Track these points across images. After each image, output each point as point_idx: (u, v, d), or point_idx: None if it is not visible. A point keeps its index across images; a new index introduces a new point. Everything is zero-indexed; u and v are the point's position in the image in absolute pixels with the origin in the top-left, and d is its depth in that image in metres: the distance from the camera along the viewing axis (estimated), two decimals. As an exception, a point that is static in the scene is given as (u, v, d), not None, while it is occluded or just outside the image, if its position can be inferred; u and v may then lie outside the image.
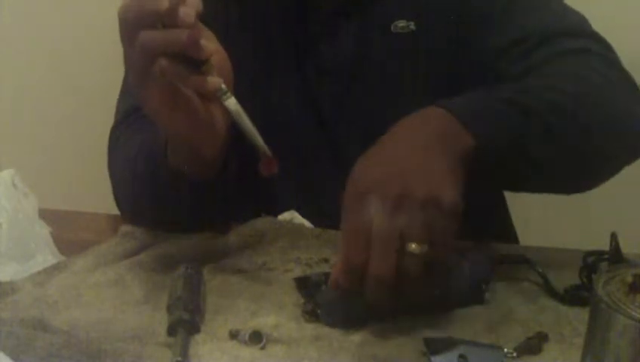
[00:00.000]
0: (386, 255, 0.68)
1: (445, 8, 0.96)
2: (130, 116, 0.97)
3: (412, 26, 0.96)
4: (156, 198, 0.88)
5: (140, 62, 0.75)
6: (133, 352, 0.68)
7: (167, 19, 0.72)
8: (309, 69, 0.98)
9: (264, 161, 0.77)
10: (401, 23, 0.96)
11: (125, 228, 0.92)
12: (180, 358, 0.66)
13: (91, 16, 1.70)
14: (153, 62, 0.73)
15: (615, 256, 0.78)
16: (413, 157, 0.73)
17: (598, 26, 0.99)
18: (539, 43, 0.92)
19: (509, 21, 0.95)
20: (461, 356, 0.67)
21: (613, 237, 0.78)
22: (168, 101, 0.77)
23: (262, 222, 0.92)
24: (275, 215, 0.95)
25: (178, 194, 0.86)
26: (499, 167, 0.78)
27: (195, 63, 0.74)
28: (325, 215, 0.94)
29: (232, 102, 0.76)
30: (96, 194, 1.53)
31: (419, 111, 0.78)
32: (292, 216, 0.95)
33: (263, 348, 0.70)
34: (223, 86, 0.75)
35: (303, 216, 0.95)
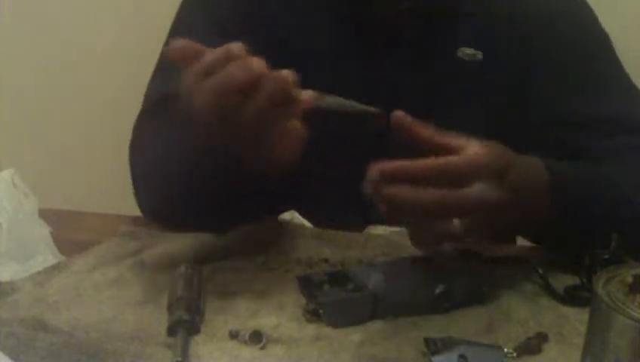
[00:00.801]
0: (456, 207, 0.72)
1: (514, 45, 0.96)
2: (159, 106, 0.95)
3: (480, 55, 0.96)
4: (193, 197, 0.86)
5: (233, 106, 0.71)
6: (133, 352, 0.68)
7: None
8: (364, 76, 0.97)
9: (376, 118, 0.75)
10: (468, 51, 0.96)
11: (125, 228, 0.92)
12: (179, 358, 0.66)
13: (92, 17, 1.70)
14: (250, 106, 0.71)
15: (615, 256, 0.78)
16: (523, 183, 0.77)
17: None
18: (630, 130, 0.94)
19: (592, 93, 0.96)
20: (461, 356, 0.67)
21: (614, 237, 0.78)
22: (260, 133, 0.74)
23: (262, 222, 0.92)
24: (275, 215, 0.95)
25: (227, 192, 0.83)
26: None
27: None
28: (325, 215, 0.94)
29: (329, 100, 0.73)
30: (96, 194, 1.54)
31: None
32: (292, 216, 0.95)
33: (263, 348, 0.70)
34: (315, 94, 0.73)
35: (303, 216, 0.95)
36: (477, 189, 0.72)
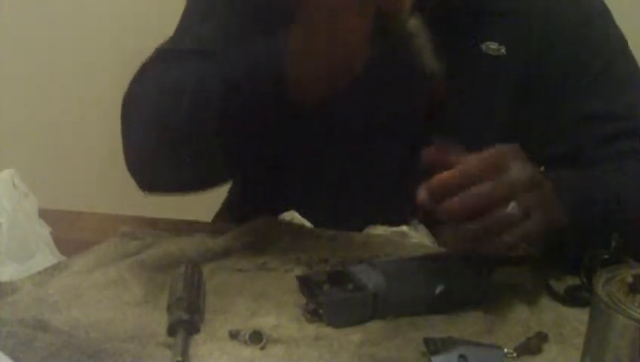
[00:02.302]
0: (503, 191, 0.73)
1: (536, 41, 0.97)
2: (167, 53, 0.94)
3: (503, 50, 0.96)
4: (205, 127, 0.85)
5: None
6: (133, 352, 0.68)
7: None
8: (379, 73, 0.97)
9: (432, 83, 0.75)
10: (493, 45, 0.97)
11: (125, 228, 0.92)
12: (179, 358, 0.66)
13: (92, 16, 1.70)
14: None
15: (615, 256, 0.78)
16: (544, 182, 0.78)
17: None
18: (629, 131, 0.95)
19: (603, 91, 0.97)
20: (461, 356, 0.67)
21: (613, 237, 0.78)
22: (354, 22, 0.75)
23: (262, 222, 0.92)
24: (275, 215, 0.95)
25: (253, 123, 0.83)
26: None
27: None
28: (325, 215, 0.94)
29: (418, 23, 0.73)
30: (96, 194, 1.54)
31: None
32: (292, 216, 0.95)
33: (263, 348, 0.70)
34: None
35: (303, 216, 0.95)
36: (519, 168, 0.75)
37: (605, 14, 1.02)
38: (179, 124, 0.85)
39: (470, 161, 0.74)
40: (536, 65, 0.98)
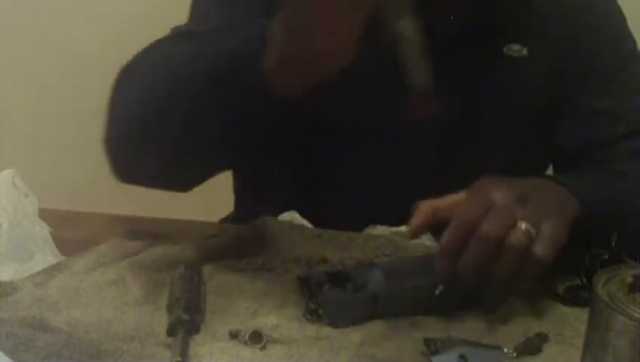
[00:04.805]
0: (503, 218, 0.72)
1: (555, 41, 0.98)
2: (178, 32, 0.93)
3: (525, 51, 0.97)
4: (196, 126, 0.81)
5: None
6: (133, 352, 0.68)
7: None
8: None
9: (416, 98, 0.70)
10: (515, 47, 0.97)
11: (125, 228, 0.92)
12: (179, 358, 0.66)
13: (92, 16, 1.70)
14: None
15: (615, 256, 0.78)
16: (537, 186, 0.80)
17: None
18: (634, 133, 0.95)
19: (614, 89, 0.98)
20: (461, 356, 0.67)
21: (613, 237, 0.78)
22: (342, 18, 0.70)
23: (262, 222, 0.92)
24: (275, 215, 0.95)
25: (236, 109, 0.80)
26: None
27: None
28: (325, 216, 0.94)
29: (411, 28, 0.69)
30: (96, 194, 1.54)
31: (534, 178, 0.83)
32: (292, 216, 0.95)
33: (263, 348, 0.70)
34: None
35: (303, 216, 0.95)
36: (504, 189, 0.75)
37: (620, 17, 1.03)
38: (165, 104, 0.82)
39: (460, 213, 0.74)
40: (559, 65, 0.98)
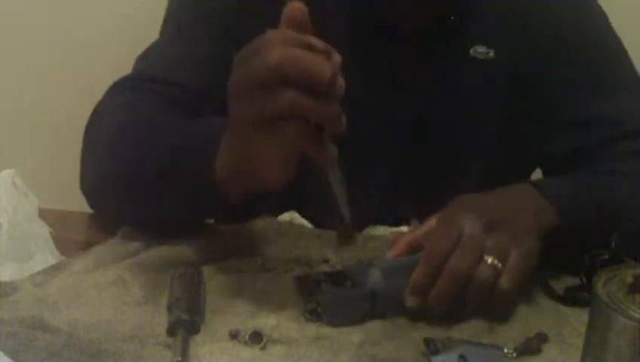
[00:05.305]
0: (470, 253, 0.74)
1: (528, 42, 0.97)
2: (143, 81, 0.94)
3: (492, 54, 0.97)
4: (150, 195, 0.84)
5: (268, 118, 0.67)
6: (133, 352, 0.68)
7: (320, 88, 0.66)
8: (377, 75, 0.97)
9: (342, 226, 0.75)
10: (481, 49, 0.96)
11: (125, 228, 0.92)
12: (179, 358, 0.66)
13: (92, 16, 1.70)
14: (285, 123, 0.67)
15: (615, 256, 0.78)
16: (508, 206, 0.80)
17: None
18: (628, 133, 0.95)
19: (599, 93, 0.97)
20: (461, 356, 0.67)
21: (614, 237, 0.78)
22: (277, 157, 0.72)
23: (262, 222, 0.92)
24: (275, 215, 0.95)
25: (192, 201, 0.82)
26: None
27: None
28: (325, 215, 0.94)
29: (337, 174, 0.72)
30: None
31: (512, 185, 0.84)
32: (292, 216, 0.95)
33: (263, 348, 0.70)
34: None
35: (303, 216, 0.95)
36: (471, 220, 0.76)
37: (602, 17, 1.02)
38: (125, 176, 0.85)
39: (429, 249, 0.76)
40: (526, 66, 0.97)
